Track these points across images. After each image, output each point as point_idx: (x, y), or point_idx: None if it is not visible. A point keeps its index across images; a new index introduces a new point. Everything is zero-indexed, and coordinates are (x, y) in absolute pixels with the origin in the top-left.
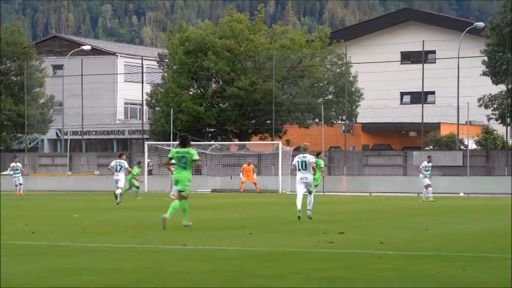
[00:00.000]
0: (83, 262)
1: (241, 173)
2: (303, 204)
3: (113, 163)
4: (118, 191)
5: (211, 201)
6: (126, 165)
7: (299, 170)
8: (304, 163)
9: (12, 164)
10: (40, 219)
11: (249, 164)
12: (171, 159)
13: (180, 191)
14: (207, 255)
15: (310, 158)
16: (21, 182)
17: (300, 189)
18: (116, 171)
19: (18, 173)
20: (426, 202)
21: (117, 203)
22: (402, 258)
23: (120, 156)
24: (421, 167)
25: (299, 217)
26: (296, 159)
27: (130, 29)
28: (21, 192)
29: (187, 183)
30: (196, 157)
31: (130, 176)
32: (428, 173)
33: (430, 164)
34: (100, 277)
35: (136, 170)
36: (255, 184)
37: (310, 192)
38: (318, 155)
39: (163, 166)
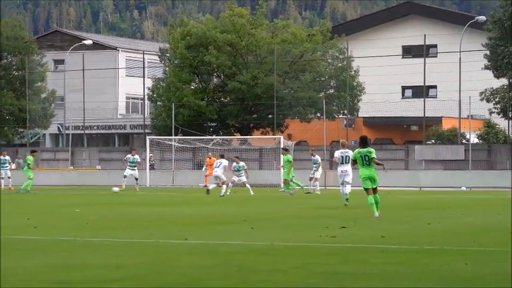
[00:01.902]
0: (85, 257)
1: (205, 166)
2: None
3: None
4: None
5: (213, 195)
6: (226, 163)
7: (341, 163)
8: (347, 158)
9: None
10: (42, 214)
11: (210, 158)
12: (354, 160)
13: (374, 188)
14: (209, 249)
15: (351, 154)
16: (9, 176)
17: (340, 181)
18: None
19: (7, 167)
20: (313, 193)
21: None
22: (404, 252)
23: (221, 156)
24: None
25: (346, 204)
26: (339, 154)
27: (131, 23)
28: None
29: (377, 178)
30: (375, 155)
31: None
32: (315, 166)
33: (316, 157)
34: (102, 272)
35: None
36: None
37: (349, 183)
38: (285, 150)
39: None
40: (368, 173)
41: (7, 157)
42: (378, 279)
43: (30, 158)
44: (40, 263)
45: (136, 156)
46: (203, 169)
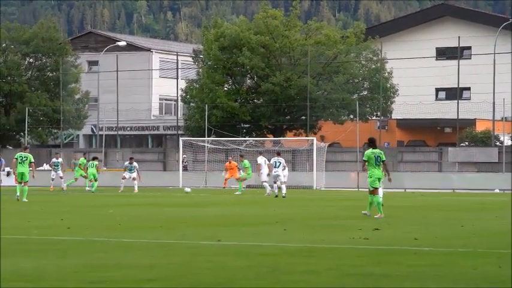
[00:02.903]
0: (118, 257)
1: (224, 171)
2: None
3: None
4: None
5: (245, 197)
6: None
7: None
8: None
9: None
10: (75, 214)
11: (230, 162)
12: (366, 161)
13: (375, 187)
14: (242, 251)
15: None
16: (61, 176)
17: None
18: (275, 167)
19: (59, 169)
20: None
21: None
22: (437, 254)
23: (278, 154)
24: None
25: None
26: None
27: (165, 24)
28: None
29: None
30: (384, 157)
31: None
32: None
33: (278, 159)
34: (136, 272)
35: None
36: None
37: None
38: (241, 156)
39: None
40: (379, 174)
41: (60, 159)
42: (411, 281)
43: (83, 160)
44: (77, 263)
45: (60, 160)
46: (223, 173)
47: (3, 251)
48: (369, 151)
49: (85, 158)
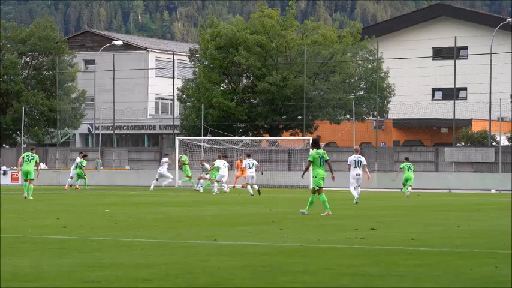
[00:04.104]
0: (115, 256)
1: (236, 169)
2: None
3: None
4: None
5: (241, 196)
6: (256, 162)
7: (354, 167)
8: (359, 162)
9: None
10: (71, 213)
11: (241, 160)
12: (311, 161)
13: (320, 187)
14: (238, 250)
15: (363, 159)
16: (72, 176)
17: (354, 183)
18: (249, 168)
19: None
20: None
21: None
22: (434, 254)
23: (248, 156)
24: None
25: (356, 202)
26: (352, 158)
27: (161, 24)
28: (77, 186)
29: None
30: (327, 157)
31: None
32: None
33: (251, 160)
34: (133, 271)
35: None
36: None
37: (359, 185)
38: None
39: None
40: (323, 174)
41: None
42: (407, 281)
43: (83, 161)
44: (73, 262)
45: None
46: (236, 171)
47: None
48: (314, 152)
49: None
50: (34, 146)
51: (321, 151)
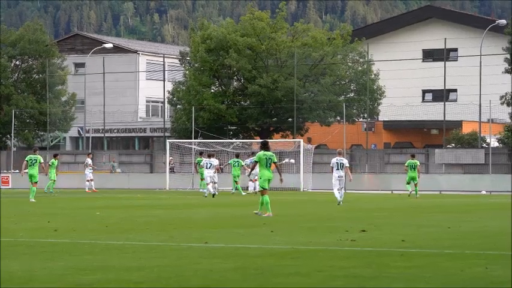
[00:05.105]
0: (106, 260)
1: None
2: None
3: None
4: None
5: (233, 198)
6: (216, 163)
7: (337, 169)
8: (341, 164)
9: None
10: (62, 216)
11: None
12: (257, 162)
13: (265, 188)
14: (229, 253)
15: (346, 162)
16: (88, 179)
17: (336, 185)
18: (206, 168)
19: (91, 169)
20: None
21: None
22: (424, 256)
23: (209, 156)
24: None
25: (339, 204)
26: (334, 160)
27: (151, 27)
28: (94, 189)
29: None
30: (275, 159)
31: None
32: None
33: (210, 160)
34: (122, 274)
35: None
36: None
37: (342, 188)
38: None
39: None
40: (268, 175)
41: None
42: (399, 283)
43: (54, 161)
44: (64, 266)
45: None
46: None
47: None
48: (261, 153)
49: (56, 159)
50: (37, 147)
51: (268, 153)
